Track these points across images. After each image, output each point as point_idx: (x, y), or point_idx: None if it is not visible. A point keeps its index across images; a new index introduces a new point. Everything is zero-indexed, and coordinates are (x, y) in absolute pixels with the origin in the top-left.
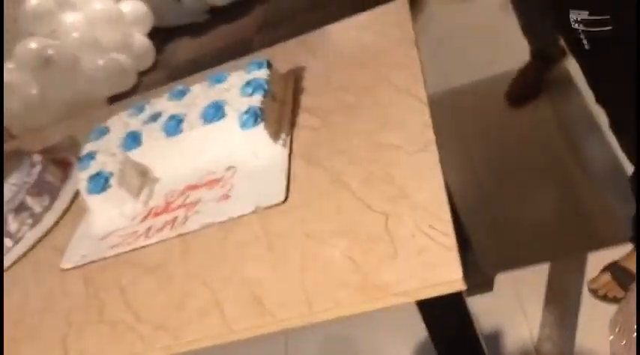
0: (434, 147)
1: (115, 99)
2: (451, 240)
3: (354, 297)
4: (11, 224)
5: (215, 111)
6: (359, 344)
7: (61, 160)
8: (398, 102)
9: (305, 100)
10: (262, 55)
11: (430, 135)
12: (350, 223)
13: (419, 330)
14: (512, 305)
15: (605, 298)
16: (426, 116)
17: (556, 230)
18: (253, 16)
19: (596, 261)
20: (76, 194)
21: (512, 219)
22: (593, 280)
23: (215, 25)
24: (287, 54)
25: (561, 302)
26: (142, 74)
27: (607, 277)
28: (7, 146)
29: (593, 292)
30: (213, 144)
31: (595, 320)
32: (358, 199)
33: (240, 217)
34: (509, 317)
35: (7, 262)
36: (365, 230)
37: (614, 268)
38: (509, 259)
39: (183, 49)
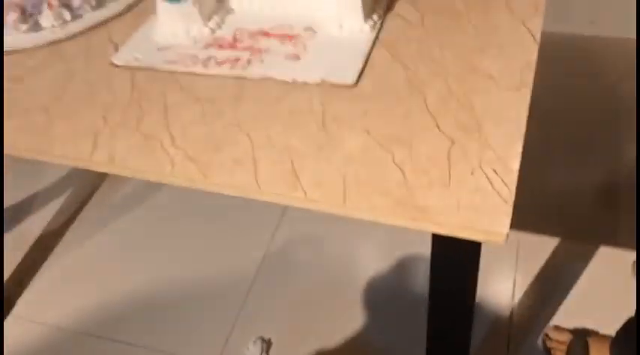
0: (527, 92)
1: None
2: (509, 192)
3: (391, 208)
4: None
5: None
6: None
7: None
8: (508, 30)
9: None
10: None
11: (529, 78)
12: (413, 135)
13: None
14: (507, 266)
15: (548, 353)
16: (532, 55)
17: (584, 212)
18: None
19: (606, 256)
20: None
21: (548, 182)
22: (555, 330)
23: None
24: None
25: (553, 281)
26: None
27: (567, 338)
28: None
29: (545, 339)
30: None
31: (577, 310)
32: (430, 114)
33: (303, 83)
34: (499, 275)
35: (60, 34)
36: (426, 148)
37: (578, 340)
38: (525, 222)
39: None
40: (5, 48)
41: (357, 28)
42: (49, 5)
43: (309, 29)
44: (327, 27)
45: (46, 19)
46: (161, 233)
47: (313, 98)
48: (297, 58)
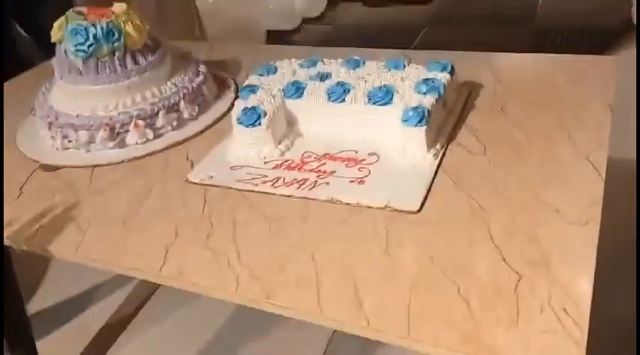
0: (596, 227)
1: (273, 34)
2: (582, 334)
3: (457, 343)
4: (160, 119)
5: (383, 96)
6: None
7: (220, 78)
8: (572, 163)
9: (472, 119)
10: (442, 55)
11: (596, 213)
12: (477, 266)
13: None
14: None
15: None
16: (598, 190)
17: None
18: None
19: None
20: (222, 116)
21: (620, 312)
22: None
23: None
24: (467, 63)
25: None
26: (305, 20)
27: None
28: (178, 48)
29: None
30: (367, 125)
31: None
32: (494, 245)
33: (367, 206)
34: None
35: (142, 151)
36: (491, 281)
37: None
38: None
39: (354, 12)
40: (91, 162)
41: (420, 156)
42: (136, 125)
43: (374, 154)
44: (391, 154)
45: (132, 137)
46: (213, 340)
47: (377, 222)
48: (361, 181)
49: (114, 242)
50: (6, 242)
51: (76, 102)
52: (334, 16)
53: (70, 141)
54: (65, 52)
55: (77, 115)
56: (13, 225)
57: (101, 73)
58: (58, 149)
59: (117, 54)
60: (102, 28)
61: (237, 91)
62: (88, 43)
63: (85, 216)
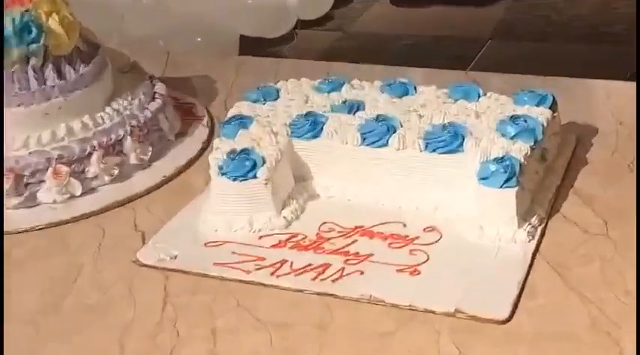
0: None
1: (249, 41)
2: None
3: None
4: (92, 164)
5: (450, 139)
6: None
7: (185, 106)
8: None
9: (584, 181)
10: (530, 81)
11: None
12: None
13: None
14: None
15: None
16: None
17: None
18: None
19: None
20: (188, 163)
21: None
22: None
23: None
24: (572, 95)
25: None
26: (302, 24)
27: None
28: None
29: None
30: (423, 183)
31: None
32: None
33: (425, 311)
34: None
35: (64, 215)
36: None
37: None
38: None
39: (375, 14)
40: None
41: (507, 235)
42: (56, 173)
43: (433, 230)
44: (462, 229)
45: (48, 192)
46: None
47: (441, 335)
48: (415, 271)
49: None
50: None
51: None
52: (344, 18)
53: None
54: None
55: None
56: None
57: (7, 91)
58: None
59: (32, 61)
60: (13, 21)
61: (211, 125)
62: None
63: None
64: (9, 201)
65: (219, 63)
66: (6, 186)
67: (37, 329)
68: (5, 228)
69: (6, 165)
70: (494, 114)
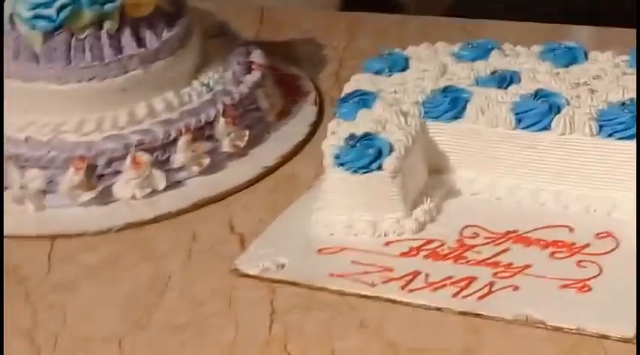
0: None
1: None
2: None
3: None
4: (178, 152)
5: (631, 121)
6: None
7: (288, 82)
8: None
9: None
10: None
11: None
12: None
13: None
14: None
15: None
16: None
17: None
18: None
19: None
20: (294, 150)
21: None
22: None
23: None
24: None
25: None
26: None
27: None
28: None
29: None
30: (594, 175)
31: None
32: None
33: (599, 336)
34: None
35: (146, 213)
36: None
37: None
38: None
39: None
40: (49, 229)
41: None
42: (135, 163)
43: (607, 236)
44: None
45: (126, 185)
46: None
47: None
48: (584, 287)
49: None
50: None
51: (25, 114)
52: None
53: (7, 189)
54: (12, 18)
55: (26, 139)
56: None
57: (76, 62)
58: None
59: (107, 25)
60: None
61: (320, 103)
62: (58, 2)
63: (46, 330)
64: (79, 197)
65: (326, 20)
66: (75, 178)
67: (120, 351)
68: (75, 229)
69: (75, 152)
70: None
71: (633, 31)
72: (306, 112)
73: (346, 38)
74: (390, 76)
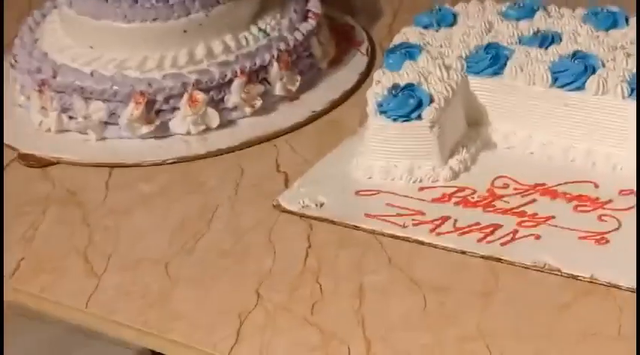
0: None
1: None
2: None
3: None
4: (233, 93)
5: None
6: None
7: (342, 27)
8: None
9: None
10: None
11: None
12: None
13: None
14: None
15: None
16: None
17: None
18: None
19: None
20: (343, 97)
21: None
22: None
23: None
24: None
25: None
26: None
27: None
28: None
29: None
30: (624, 136)
31: None
32: None
33: (609, 285)
34: None
35: (198, 148)
36: None
37: None
38: None
39: None
40: (108, 157)
41: None
42: (192, 101)
43: (630, 193)
44: None
45: (182, 121)
46: None
47: (623, 313)
48: (602, 240)
49: (149, 297)
50: None
51: (90, 51)
52: None
53: (72, 118)
54: None
55: (92, 73)
56: None
57: (141, 2)
58: (50, 130)
59: None
60: None
61: (371, 53)
62: None
63: (99, 251)
64: (138, 129)
65: None
66: (135, 111)
67: (167, 272)
68: (132, 160)
69: (136, 87)
70: None
71: None
72: (358, 61)
73: None
74: (437, 30)
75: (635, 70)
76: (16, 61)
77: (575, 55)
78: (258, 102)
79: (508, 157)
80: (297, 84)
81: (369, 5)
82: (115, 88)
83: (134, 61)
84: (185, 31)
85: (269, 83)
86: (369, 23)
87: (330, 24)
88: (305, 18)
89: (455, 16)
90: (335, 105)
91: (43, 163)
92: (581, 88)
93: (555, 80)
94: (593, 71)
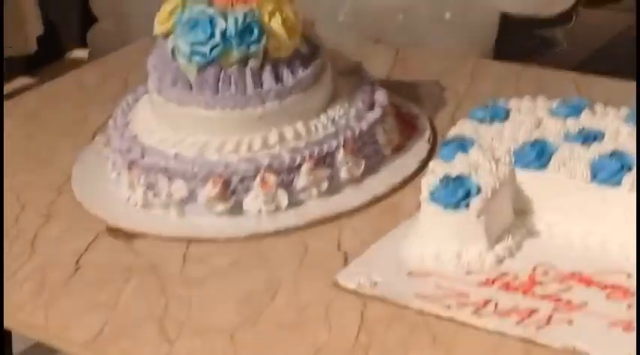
0: None
1: (511, 25)
2: None
3: None
4: (302, 176)
5: None
6: None
7: (408, 119)
8: None
9: None
10: None
11: None
12: None
13: None
14: None
15: None
16: None
17: None
18: None
19: None
20: (403, 182)
21: None
22: None
23: None
24: None
25: None
26: None
27: None
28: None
29: None
30: None
31: None
32: None
33: None
34: None
35: (268, 226)
36: None
37: None
38: None
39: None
40: (186, 232)
41: None
42: (264, 183)
43: None
44: None
45: (254, 201)
46: None
47: None
48: (629, 327)
49: None
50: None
51: (175, 134)
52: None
53: (156, 196)
54: (173, 51)
55: (175, 155)
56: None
57: (222, 92)
58: (137, 204)
59: (251, 63)
60: (235, 22)
61: (433, 141)
62: (212, 42)
63: (174, 318)
64: (214, 207)
65: (453, 63)
66: (213, 191)
67: (232, 341)
68: (208, 235)
69: (214, 169)
70: None
71: None
72: (420, 149)
73: (466, 82)
74: (490, 124)
75: None
76: (107, 140)
77: (614, 153)
78: (325, 185)
79: (550, 245)
80: (362, 169)
81: (433, 94)
82: (195, 169)
83: (213, 145)
84: (260, 118)
85: (335, 167)
86: (433, 112)
87: (396, 111)
88: (371, 107)
89: (507, 111)
90: (396, 189)
91: (127, 236)
92: (618, 184)
93: (594, 176)
94: (629, 169)
